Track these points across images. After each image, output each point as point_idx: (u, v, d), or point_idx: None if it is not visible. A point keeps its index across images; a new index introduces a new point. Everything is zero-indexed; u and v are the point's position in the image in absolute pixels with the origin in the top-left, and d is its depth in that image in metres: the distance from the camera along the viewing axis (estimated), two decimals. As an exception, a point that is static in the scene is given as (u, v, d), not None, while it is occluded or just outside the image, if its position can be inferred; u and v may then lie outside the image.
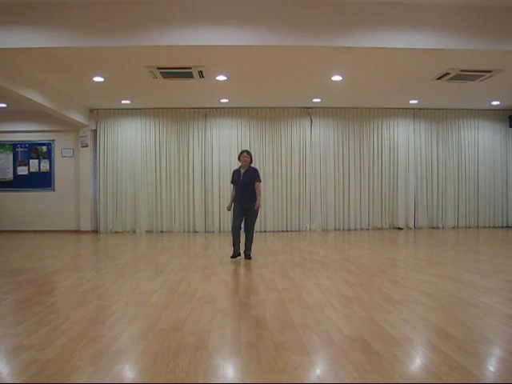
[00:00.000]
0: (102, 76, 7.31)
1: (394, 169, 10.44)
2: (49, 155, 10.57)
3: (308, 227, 10.25)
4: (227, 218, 10.10)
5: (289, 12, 5.39)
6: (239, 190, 5.97)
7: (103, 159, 10.23)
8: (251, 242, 6.04)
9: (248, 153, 6.04)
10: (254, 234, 6.13)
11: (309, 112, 10.29)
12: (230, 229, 6.24)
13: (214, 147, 10.23)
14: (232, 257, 5.96)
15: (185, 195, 10.20)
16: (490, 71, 6.92)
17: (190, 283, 4.42)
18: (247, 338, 2.75)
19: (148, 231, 10.16)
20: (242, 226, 6.02)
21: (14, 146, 10.55)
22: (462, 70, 6.91)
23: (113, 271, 5.14)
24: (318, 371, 2.29)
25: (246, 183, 5.95)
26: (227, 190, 10.09)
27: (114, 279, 4.66)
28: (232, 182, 6.15)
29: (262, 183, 6.27)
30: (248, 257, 6.00)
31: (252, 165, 6.14)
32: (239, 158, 6.06)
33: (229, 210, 6.19)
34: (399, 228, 10.33)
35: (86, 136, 10.23)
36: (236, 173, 6.10)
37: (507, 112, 10.44)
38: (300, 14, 5.40)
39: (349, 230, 10.26)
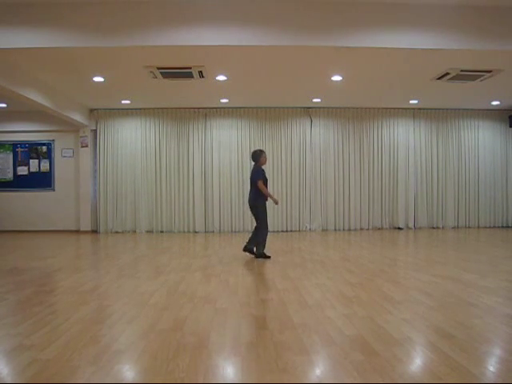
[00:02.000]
0: (101, 76, 7.31)
1: (394, 169, 10.43)
2: (49, 155, 10.57)
3: (308, 227, 10.25)
4: (227, 218, 10.11)
5: (288, 12, 5.39)
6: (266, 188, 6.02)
7: (103, 159, 10.22)
8: None
9: None
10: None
11: (309, 112, 10.28)
12: (265, 229, 6.00)
13: (214, 147, 10.21)
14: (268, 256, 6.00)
15: (185, 195, 10.20)
16: (490, 71, 6.92)
17: (190, 283, 4.42)
18: (247, 338, 2.75)
19: (148, 231, 10.15)
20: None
21: (14, 145, 10.55)
22: (462, 70, 6.91)
23: (113, 271, 5.14)
24: (318, 371, 2.29)
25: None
26: (227, 190, 10.12)
27: (114, 279, 4.66)
28: (262, 180, 5.96)
29: None
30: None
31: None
32: (260, 158, 6.02)
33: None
34: (399, 228, 10.33)
35: (86, 136, 10.23)
36: (264, 172, 6.06)
37: (507, 112, 10.44)
38: (300, 14, 5.39)
39: (349, 230, 10.26)
